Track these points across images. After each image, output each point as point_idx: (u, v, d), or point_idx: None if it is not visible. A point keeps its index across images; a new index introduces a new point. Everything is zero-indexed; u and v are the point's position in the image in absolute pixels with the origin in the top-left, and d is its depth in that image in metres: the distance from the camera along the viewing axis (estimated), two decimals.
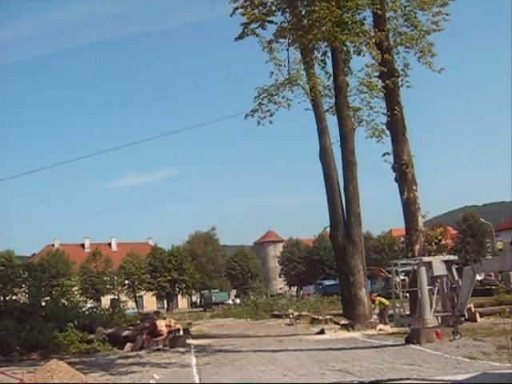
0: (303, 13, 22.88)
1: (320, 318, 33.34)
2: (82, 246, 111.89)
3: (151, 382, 12.56)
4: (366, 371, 14.76)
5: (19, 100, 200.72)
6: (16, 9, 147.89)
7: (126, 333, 26.35)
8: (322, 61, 26.69)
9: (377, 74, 21.58)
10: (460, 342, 17.57)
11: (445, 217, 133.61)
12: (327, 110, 29.91)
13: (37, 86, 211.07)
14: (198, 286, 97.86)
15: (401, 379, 13.21)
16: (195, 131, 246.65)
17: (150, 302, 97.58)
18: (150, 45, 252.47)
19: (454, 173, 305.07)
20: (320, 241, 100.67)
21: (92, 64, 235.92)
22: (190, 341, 26.16)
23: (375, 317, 29.33)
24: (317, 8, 20.28)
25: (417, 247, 20.65)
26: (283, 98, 26.03)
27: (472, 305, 25.84)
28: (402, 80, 21.97)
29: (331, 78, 27.80)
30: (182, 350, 23.33)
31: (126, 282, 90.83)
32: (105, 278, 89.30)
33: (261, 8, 24.44)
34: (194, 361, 19.47)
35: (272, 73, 25.76)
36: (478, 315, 26.16)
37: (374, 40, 21.01)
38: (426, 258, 15.79)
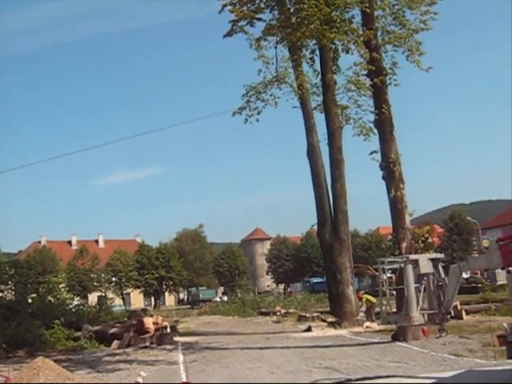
0: (292, 10, 22.89)
1: (307, 315, 33.42)
2: (69, 242, 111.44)
3: (138, 379, 12.53)
4: (353, 368, 14.81)
5: (4, 96, 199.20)
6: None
7: (112, 330, 26.27)
8: (310, 59, 26.74)
9: (365, 72, 21.64)
10: (446, 339, 17.70)
11: (432, 215, 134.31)
12: (315, 108, 29.92)
13: (23, 82, 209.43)
14: (186, 284, 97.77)
15: (387, 376, 13.27)
16: (183, 128, 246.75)
17: (137, 300, 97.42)
18: (137, 41, 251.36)
19: (441, 171, 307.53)
20: (307, 238, 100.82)
21: (79, 59, 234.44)
22: (177, 338, 26.14)
23: (362, 314, 29.43)
24: (305, 6, 20.29)
25: (404, 245, 20.76)
26: (271, 95, 26.04)
27: (458, 302, 26.00)
28: (389, 78, 22.07)
29: (319, 76, 27.82)
30: (169, 347, 23.29)
31: (113, 279, 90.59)
32: (92, 275, 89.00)
33: (249, 5, 24.41)
34: (181, 358, 19.45)
35: (260, 70, 25.74)
36: (464, 313, 26.31)
37: (362, 38, 21.07)
38: (412, 256, 15.85)
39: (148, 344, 24.12)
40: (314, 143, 30.33)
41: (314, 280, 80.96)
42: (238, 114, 25.40)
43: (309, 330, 26.82)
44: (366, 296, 30.49)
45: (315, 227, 31.08)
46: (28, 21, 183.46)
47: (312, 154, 30.31)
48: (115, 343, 24.46)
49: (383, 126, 21.53)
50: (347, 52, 21.98)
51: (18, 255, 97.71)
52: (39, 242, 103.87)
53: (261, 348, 20.96)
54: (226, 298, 76.07)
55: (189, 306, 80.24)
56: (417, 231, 23.71)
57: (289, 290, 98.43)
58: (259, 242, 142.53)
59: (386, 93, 21.87)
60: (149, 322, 25.87)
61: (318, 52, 26.75)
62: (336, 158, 28.59)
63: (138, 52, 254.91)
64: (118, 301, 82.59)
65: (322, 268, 72.45)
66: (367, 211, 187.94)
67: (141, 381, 12.46)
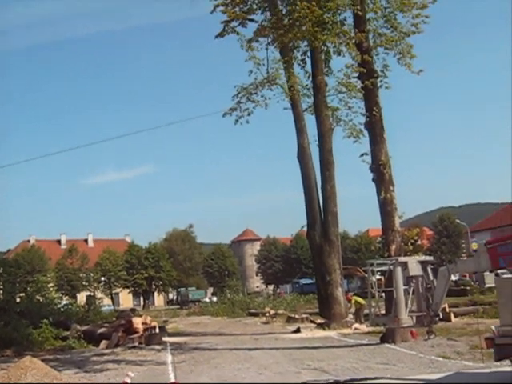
0: (284, 12, 22.91)
1: (296, 316, 33.44)
2: (58, 242, 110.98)
3: (126, 379, 12.49)
4: (342, 370, 14.85)
5: None
6: None
7: (101, 330, 26.19)
8: (301, 60, 26.70)
9: (356, 74, 21.68)
10: (434, 341, 17.75)
11: (421, 217, 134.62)
12: (305, 110, 29.93)
13: (13, 79, 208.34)
14: (175, 284, 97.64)
15: (375, 378, 13.31)
16: (173, 128, 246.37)
17: (126, 299, 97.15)
18: (132, 40, 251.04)
19: (431, 174, 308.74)
20: (297, 240, 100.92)
21: (72, 58, 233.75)
22: (165, 338, 26.09)
23: (351, 316, 29.48)
24: (297, 7, 20.30)
25: (393, 247, 20.80)
26: (262, 96, 26.05)
27: (447, 305, 26.08)
28: (381, 81, 22.09)
29: (310, 78, 27.85)
30: (157, 347, 23.25)
31: (103, 278, 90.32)
32: (81, 275, 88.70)
33: (242, 6, 24.44)
34: (169, 358, 19.42)
35: (251, 71, 25.71)
36: (452, 315, 26.41)
37: (354, 41, 21.08)
38: (401, 258, 15.88)
39: (137, 344, 24.06)
40: (305, 145, 30.37)
41: (304, 281, 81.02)
42: (229, 115, 25.42)
43: (298, 331, 26.84)
44: (354, 298, 30.56)
45: (305, 228, 31.11)
46: (27, 17, 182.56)
47: (302, 155, 30.34)
48: (103, 343, 24.38)
49: (374, 128, 21.57)
50: (339, 54, 22.01)
51: (7, 254, 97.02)
52: (28, 240, 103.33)
53: (249, 349, 20.96)
54: (215, 299, 76.01)
55: (178, 307, 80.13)
56: (406, 233, 23.87)
57: (278, 291, 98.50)
58: (249, 242, 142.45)
59: (377, 95, 21.91)
60: (137, 322, 25.80)
61: (309, 54, 26.77)
62: (326, 160, 28.63)
63: (132, 51, 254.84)
64: (107, 300, 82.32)
65: (311, 269, 72.49)
66: (357, 213, 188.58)
67: (129, 381, 12.43)
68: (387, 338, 20.01)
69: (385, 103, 22.34)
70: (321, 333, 26.02)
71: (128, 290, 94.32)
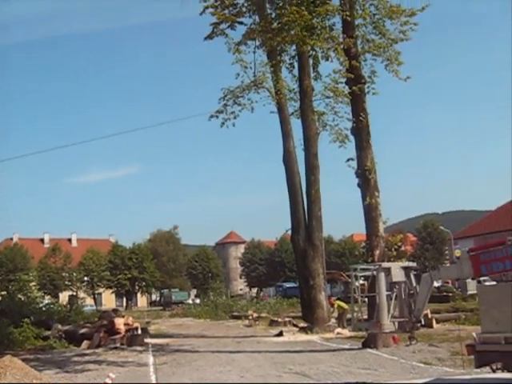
0: (273, 16, 22.96)
1: (279, 320, 33.43)
2: (42, 240, 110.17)
3: (107, 380, 12.44)
4: (323, 374, 14.86)
5: None
6: None
7: (83, 330, 26.05)
8: (290, 64, 26.78)
9: (344, 79, 21.77)
10: (416, 347, 17.86)
11: (405, 223, 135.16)
12: (292, 114, 30.02)
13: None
14: (158, 285, 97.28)
15: (357, 383, 13.33)
16: (159, 129, 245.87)
17: (108, 300, 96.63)
18: (116, 41, 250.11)
19: (416, 180, 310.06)
20: (282, 243, 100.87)
21: (57, 56, 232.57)
22: (148, 340, 25.99)
23: (334, 320, 29.54)
24: (287, 11, 20.36)
25: (377, 252, 20.90)
26: (248, 100, 26.07)
27: (429, 311, 26.22)
28: (368, 87, 22.21)
29: (297, 82, 27.92)
30: (139, 348, 23.17)
31: (85, 278, 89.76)
32: (63, 274, 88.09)
33: (231, 8, 24.48)
34: (151, 360, 19.36)
35: (238, 74, 25.74)
36: (434, 321, 26.53)
37: (342, 46, 21.19)
38: (385, 264, 16.01)
39: (118, 345, 23.95)
40: (290, 149, 30.41)
41: (287, 285, 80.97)
42: (215, 118, 25.39)
43: (280, 334, 26.85)
44: (337, 302, 30.62)
45: (289, 232, 31.17)
46: (25, 13, 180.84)
47: (288, 159, 30.39)
48: (85, 343, 24.25)
49: (360, 133, 21.68)
50: (327, 59, 22.07)
51: None
52: (11, 239, 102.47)
53: (231, 352, 20.94)
54: (198, 301, 75.80)
55: (161, 308, 79.82)
56: (390, 239, 23.92)
57: (261, 294, 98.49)
58: (233, 245, 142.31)
59: (364, 101, 22.03)
60: (120, 322, 25.70)
61: (296, 58, 26.82)
62: (312, 164, 28.71)
63: (129, 49, 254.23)
64: (90, 300, 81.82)
65: (295, 273, 72.56)
66: (342, 218, 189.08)
67: (110, 382, 12.38)
68: (369, 342, 20.07)
69: (371, 108, 22.49)
70: (303, 337, 26.04)
71: (111, 291, 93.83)
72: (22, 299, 34.58)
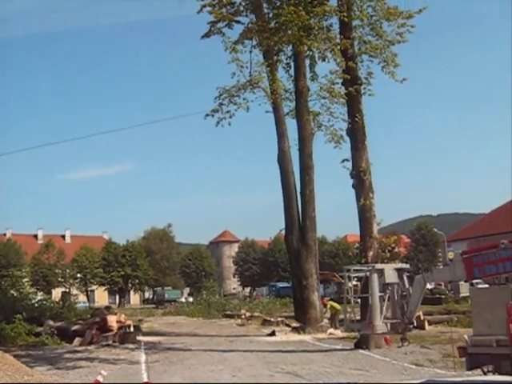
0: (270, 15, 22.94)
1: (272, 319, 33.46)
2: (35, 236, 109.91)
3: (98, 378, 12.41)
4: (315, 374, 14.90)
5: None
6: None
7: (75, 327, 26.03)
8: (286, 64, 26.76)
9: (340, 80, 21.77)
10: (408, 348, 17.87)
11: (399, 225, 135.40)
12: (287, 114, 30.02)
13: None
14: (151, 283, 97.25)
15: (348, 383, 13.36)
16: (154, 127, 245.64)
17: (101, 297, 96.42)
18: (114, 38, 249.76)
19: (410, 182, 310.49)
20: (275, 243, 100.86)
21: (54, 52, 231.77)
22: (140, 337, 25.99)
23: (326, 321, 29.56)
24: (284, 11, 20.35)
25: (370, 254, 20.93)
26: (244, 99, 26.03)
27: (421, 312, 26.27)
28: (364, 88, 22.23)
29: (292, 82, 27.91)
30: (131, 346, 23.16)
31: (78, 275, 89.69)
32: (56, 271, 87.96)
33: (228, 7, 24.46)
34: (143, 358, 19.36)
35: (234, 74, 25.69)
36: (426, 323, 26.59)
37: (339, 47, 21.17)
38: (378, 265, 16.00)
39: (110, 342, 23.94)
40: (285, 149, 30.42)
41: (280, 285, 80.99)
42: (211, 117, 25.32)
43: (272, 334, 26.87)
44: (330, 303, 30.63)
45: (283, 232, 31.17)
46: (23, 9, 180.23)
47: (282, 159, 30.40)
48: (77, 340, 24.22)
49: (356, 134, 21.70)
50: (323, 60, 22.03)
51: None
52: (4, 234, 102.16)
53: (224, 351, 20.96)
54: (191, 299, 75.77)
55: (154, 306, 79.74)
56: (384, 240, 23.96)
57: (254, 293, 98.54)
58: (227, 244, 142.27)
59: (360, 102, 22.05)
60: (112, 320, 25.68)
61: (292, 58, 26.81)
62: (306, 164, 28.74)
63: (117, 48, 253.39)
64: (82, 297, 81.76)
65: (288, 273, 72.62)
66: (336, 218, 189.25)
67: (101, 380, 12.35)
68: (361, 343, 20.11)
69: (368, 109, 22.52)
70: (295, 337, 26.07)
71: (104, 288, 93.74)
72: (15, 295, 34.52)
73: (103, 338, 24.38)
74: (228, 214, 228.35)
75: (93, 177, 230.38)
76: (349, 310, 17.41)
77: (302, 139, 28.33)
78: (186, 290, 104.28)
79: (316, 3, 20.97)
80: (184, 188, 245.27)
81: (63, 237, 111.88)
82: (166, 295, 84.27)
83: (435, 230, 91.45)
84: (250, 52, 25.28)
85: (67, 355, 20.48)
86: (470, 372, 11.57)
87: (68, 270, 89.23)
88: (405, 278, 14.97)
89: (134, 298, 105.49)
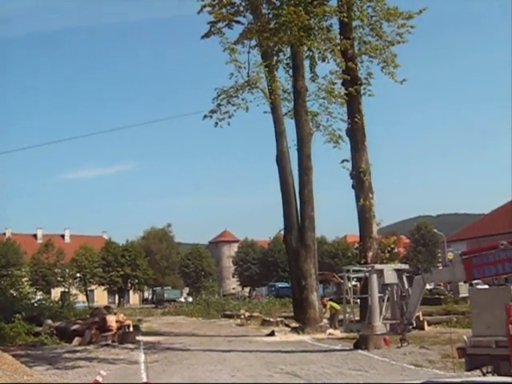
0: (270, 16, 22.92)
1: (271, 319, 33.46)
2: (35, 236, 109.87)
3: (98, 378, 12.41)
4: (314, 375, 14.90)
5: None
6: None
7: (74, 327, 26.03)
8: (286, 64, 26.72)
9: (339, 81, 21.76)
10: (407, 349, 17.87)
11: (398, 225, 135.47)
12: (285, 114, 30.02)
13: None
14: (151, 283, 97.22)
15: None
16: (154, 127, 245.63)
17: (101, 297, 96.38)
18: (113, 38, 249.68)
19: (410, 182, 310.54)
20: (275, 243, 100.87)
21: (53, 52, 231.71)
22: (139, 337, 25.99)
23: (326, 321, 29.56)
24: (284, 12, 20.35)
25: (370, 254, 20.93)
26: (242, 100, 25.95)
27: (420, 313, 26.26)
28: (364, 88, 22.22)
29: (290, 82, 27.88)
30: (131, 346, 23.16)
31: (78, 275, 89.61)
32: (56, 270, 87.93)
33: (228, 7, 24.46)
34: (142, 358, 19.36)
35: (232, 74, 25.60)
36: (425, 323, 26.60)
37: (339, 47, 21.17)
38: (377, 266, 16.00)
39: (110, 342, 23.95)
40: (284, 149, 30.41)
41: (280, 285, 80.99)
42: (209, 118, 25.19)
43: (272, 334, 26.87)
44: (330, 303, 30.63)
45: (282, 232, 31.17)
46: (22, 9, 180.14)
47: (281, 159, 30.40)
48: (76, 340, 24.23)
49: (355, 135, 21.70)
50: (323, 60, 22.02)
51: None
52: (4, 234, 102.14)
53: (223, 351, 20.96)
54: (190, 299, 75.79)
55: (153, 306, 79.73)
56: (383, 241, 23.96)
57: (254, 293, 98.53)
58: (227, 244, 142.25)
59: (360, 102, 22.05)
60: (111, 319, 25.70)
61: (291, 58, 26.76)
62: (305, 165, 28.76)
63: (116, 48, 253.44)
64: (82, 297, 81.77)
65: (288, 273, 72.64)
66: (335, 218, 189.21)
67: (100, 380, 12.35)
68: (360, 344, 20.11)
69: (367, 109, 22.53)
70: (295, 337, 26.07)
71: (103, 288, 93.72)
72: (14, 295, 34.50)
73: (102, 337, 24.38)
74: (227, 213, 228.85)
75: (92, 176, 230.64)
76: (348, 310, 17.44)
77: (301, 139, 28.35)
78: (186, 290, 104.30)
79: (316, 4, 20.97)
80: (183, 188, 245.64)
81: (63, 236, 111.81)
82: (166, 295, 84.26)
83: (435, 230, 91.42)
84: (248, 52, 25.25)
85: (66, 355, 20.48)
86: (469, 373, 11.58)
87: (67, 270, 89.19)
88: (404, 278, 14.99)
89: (134, 298, 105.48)
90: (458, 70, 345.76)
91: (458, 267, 12.70)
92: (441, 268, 44.69)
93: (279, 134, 30.52)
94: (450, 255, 60.05)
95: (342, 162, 21.88)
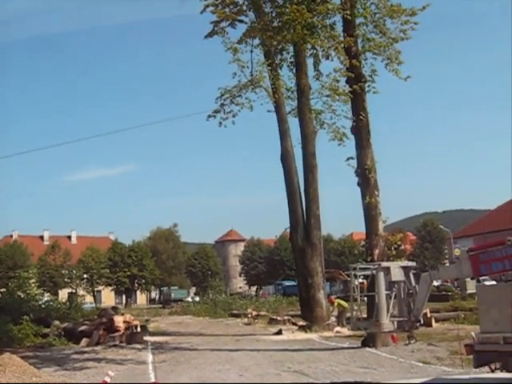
0: (273, 14, 22.90)
1: (278, 318, 33.45)
2: (41, 237, 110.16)
3: (106, 378, 12.43)
4: (322, 373, 14.87)
5: None
6: None
7: (82, 328, 26.06)
8: (291, 63, 26.67)
9: (343, 78, 21.74)
10: (415, 346, 17.85)
11: (405, 222, 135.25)
12: (289, 112, 29.99)
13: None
14: (158, 283, 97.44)
15: (355, 382, 13.33)
16: (159, 126, 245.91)
17: (108, 297, 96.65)
18: (115, 38, 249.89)
19: (416, 179, 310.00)
20: (281, 241, 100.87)
21: (55, 54, 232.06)
22: (147, 338, 26.00)
23: (333, 318, 29.50)
24: (287, 10, 20.34)
25: (376, 251, 20.89)
26: (246, 99, 25.91)
27: (428, 310, 26.21)
28: (368, 86, 22.19)
29: (294, 81, 27.84)
30: (138, 346, 23.18)
31: (85, 276, 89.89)
32: (63, 272, 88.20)
33: (232, 7, 24.44)
34: (150, 358, 19.37)
35: (235, 74, 25.57)
36: (433, 320, 26.54)
37: (342, 45, 21.16)
38: (384, 264, 16.00)
39: (117, 343, 23.98)
40: (288, 147, 30.40)
41: (287, 283, 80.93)
42: (213, 118, 25.16)
43: (279, 333, 26.85)
44: (338, 300, 30.58)
45: (288, 230, 31.15)
46: (22, 10, 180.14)
47: (286, 158, 30.39)
48: (84, 341, 24.26)
49: (360, 132, 21.67)
50: (327, 58, 22.02)
51: None
52: (11, 236, 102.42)
53: (231, 350, 20.95)
54: (197, 299, 75.86)
55: (160, 306, 79.92)
56: (390, 238, 23.93)
57: (261, 292, 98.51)
58: (233, 243, 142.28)
59: (365, 100, 22.01)
60: (119, 320, 25.72)
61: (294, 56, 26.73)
62: (309, 163, 28.74)
63: (119, 48, 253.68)
64: (89, 298, 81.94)
65: (294, 271, 72.61)
66: (342, 216, 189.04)
67: (109, 380, 12.37)
68: (368, 341, 20.08)
69: (371, 106, 22.48)
70: (302, 335, 26.04)
71: (110, 288, 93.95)
72: (22, 296, 34.66)
73: (110, 338, 24.41)
74: (233, 213, 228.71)
75: (98, 177, 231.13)
76: (355, 308, 17.43)
77: (305, 137, 28.34)
78: (193, 290, 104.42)
79: (319, 1, 20.99)
80: (189, 188, 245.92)
81: (69, 238, 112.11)
82: (173, 295, 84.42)
83: (441, 226, 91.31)
84: (251, 51, 25.21)
85: (74, 356, 20.52)
86: (477, 369, 11.54)
87: (74, 271, 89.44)
88: (411, 275, 14.97)
89: (141, 298, 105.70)
90: (461, 66, 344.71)
91: (464, 264, 12.66)
92: (448, 265, 44.54)
93: (283, 133, 30.51)
94: (456, 251, 59.93)
95: (348, 159, 21.87)
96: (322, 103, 24.48)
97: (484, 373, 11.40)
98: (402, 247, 67.75)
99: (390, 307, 15.05)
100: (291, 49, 25.39)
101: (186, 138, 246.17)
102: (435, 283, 38.55)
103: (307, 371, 15.24)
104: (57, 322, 27.64)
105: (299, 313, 32.52)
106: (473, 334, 11.78)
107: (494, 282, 13.22)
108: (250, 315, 36.88)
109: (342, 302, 29.74)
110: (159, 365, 17.40)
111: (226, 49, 24.53)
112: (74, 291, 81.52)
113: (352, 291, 17.32)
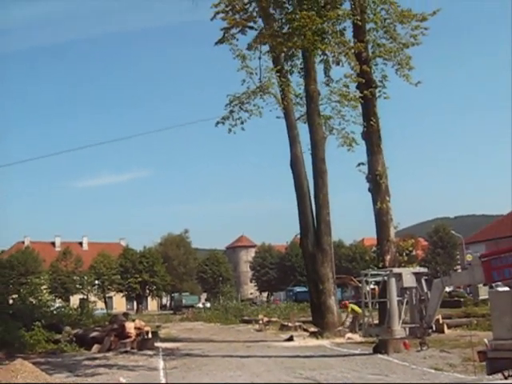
0: (283, 20, 22.91)
1: (289, 324, 33.36)
2: (53, 244, 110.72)
3: None
4: (333, 380, 14.80)
5: None
6: None
7: (93, 334, 26.09)
8: (301, 69, 26.63)
9: (354, 84, 21.70)
10: (427, 353, 17.75)
11: (416, 228, 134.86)
12: (298, 118, 29.96)
13: (9, 82, 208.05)
14: (169, 289, 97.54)
15: None
16: (170, 133, 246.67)
17: (119, 303, 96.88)
18: (125, 44, 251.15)
19: (427, 184, 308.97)
20: (292, 247, 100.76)
21: (69, 60, 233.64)
22: (158, 344, 26.01)
23: (347, 324, 29.29)
24: (297, 16, 20.34)
25: (388, 257, 20.79)
26: (254, 105, 25.84)
27: (440, 316, 26.07)
28: (379, 91, 22.15)
29: (302, 87, 27.79)
30: (149, 352, 23.17)
31: (96, 282, 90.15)
32: (74, 278, 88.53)
33: (242, 13, 24.48)
34: (161, 364, 19.35)
35: (243, 80, 25.51)
36: (445, 326, 26.38)
37: (353, 51, 21.13)
38: (396, 270, 15.95)
39: (129, 349, 23.97)
40: (298, 154, 30.37)
41: (298, 289, 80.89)
42: (221, 124, 25.09)
43: (290, 339, 26.76)
44: (351, 305, 30.37)
45: (299, 236, 31.09)
46: (27, 18, 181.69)
47: (295, 164, 30.36)
48: (95, 347, 24.28)
49: (371, 138, 21.62)
50: (338, 64, 21.97)
51: (1, 255, 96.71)
52: (23, 242, 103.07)
53: (242, 356, 20.90)
54: (208, 305, 75.90)
55: (171, 312, 79.95)
56: (401, 244, 23.86)
57: (272, 298, 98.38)
58: (244, 249, 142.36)
59: (375, 105, 21.96)
60: (130, 326, 25.72)
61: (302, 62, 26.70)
62: (319, 169, 28.72)
63: (133, 53, 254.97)
64: (100, 304, 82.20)
65: (305, 277, 72.48)
66: (353, 222, 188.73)
67: None
68: (380, 348, 19.95)
69: (382, 112, 22.43)
70: (314, 341, 25.95)
71: (121, 294, 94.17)
72: (34, 302, 34.72)
73: (121, 344, 24.41)
74: (244, 219, 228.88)
75: (109, 184, 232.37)
76: (367, 314, 17.37)
77: (314, 143, 28.33)
78: (204, 296, 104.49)
79: (329, 7, 20.95)
80: (200, 194, 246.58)
81: (81, 244, 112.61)
82: (184, 301, 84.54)
83: (453, 232, 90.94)
84: (259, 58, 25.19)
85: (86, 362, 20.53)
86: (490, 376, 11.46)
87: (86, 277, 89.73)
88: (423, 281, 14.93)
89: (152, 304, 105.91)
90: (471, 70, 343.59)
91: (477, 270, 12.62)
92: (460, 271, 44.42)
93: (293, 139, 30.50)
94: (468, 257, 59.67)
95: (358, 165, 21.82)
96: (330, 109, 24.42)
97: (497, 380, 11.33)
98: (414, 253, 67.57)
99: (402, 313, 15.00)
100: (300, 55, 25.37)
101: (196, 144, 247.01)
102: (447, 289, 38.41)
103: (319, 378, 15.17)
104: (68, 328, 27.67)
105: (310, 319, 32.43)
106: (486, 340, 11.70)
107: (506, 288, 13.11)
108: (261, 321, 36.81)
109: (356, 308, 29.54)
110: (170, 371, 17.38)
111: (235, 56, 24.51)
112: (85, 297, 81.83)
113: (363, 297, 17.27)
